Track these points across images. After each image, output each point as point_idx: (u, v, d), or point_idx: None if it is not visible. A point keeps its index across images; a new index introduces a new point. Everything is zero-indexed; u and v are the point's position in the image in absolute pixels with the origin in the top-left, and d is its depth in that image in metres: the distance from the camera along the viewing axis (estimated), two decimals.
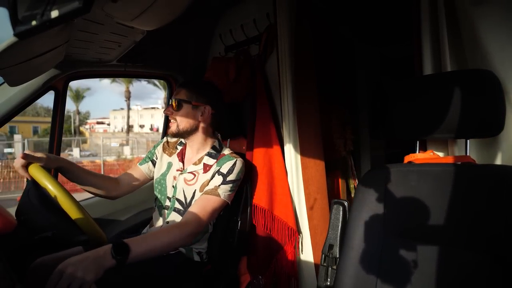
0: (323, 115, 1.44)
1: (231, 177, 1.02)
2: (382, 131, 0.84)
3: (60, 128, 1.32)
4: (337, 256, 0.81)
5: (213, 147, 1.11)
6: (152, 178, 1.19)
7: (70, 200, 0.79)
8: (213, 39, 1.64)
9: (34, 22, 0.32)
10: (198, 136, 1.10)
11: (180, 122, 1.06)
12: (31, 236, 0.78)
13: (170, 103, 1.07)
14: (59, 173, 1.05)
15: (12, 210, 0.80)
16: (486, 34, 0.75)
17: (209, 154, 1.09)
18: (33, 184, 0.83)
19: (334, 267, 0.81)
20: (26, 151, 0.88)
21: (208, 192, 0.98)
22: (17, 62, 0.74)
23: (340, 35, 1.77)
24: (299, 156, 1.22)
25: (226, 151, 1.11)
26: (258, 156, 1.26)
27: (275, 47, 1.27)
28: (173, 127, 1.07)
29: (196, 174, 1.07)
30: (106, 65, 1.35)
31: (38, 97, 1.17)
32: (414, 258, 0.67)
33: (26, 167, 0.86)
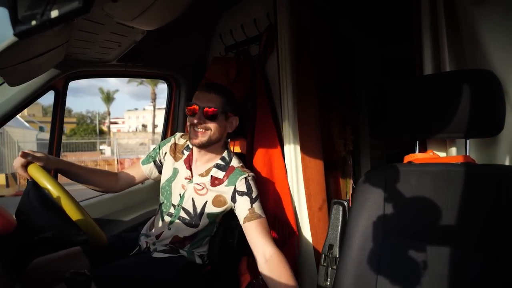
0: (323, 115, 1.44)
1: (254, 193, 0.97)
2: (382, 131, 0.84)
3: (60, 128, 1.32)
4: (337, 256, 0.81)
5: (221, 158, 1.04)
6: (151, 178, 1.17)
7: (70, 200, 0.79)
8: (213, 39, 1.64)
9: (34, 22, 0.32)
10: (217, 146, 1.04)
11: (214, 132, 0.98)
12: (31, 236, 0.78)
13: (201, 108, 0.96)
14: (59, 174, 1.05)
15: None
16: (485, 34, 0.75)
17: (217, 166, 1.03)
18: (33, 184, 0.83)
19: (334, 267, 0.81)
20: (26, 150, 0.87)
21: (251, 218, 0.94)
22: (17, 62, 0.74)
23: (340, 35, 1.77)
24: (299, 156, 1.22)
25: (235, 163, 1.04)
26: (258, 156, 1.26)
27: (275, 47, 1.27)
28: (203, 138, 0.97)
29: (204, 186, 1.03)
30: (106, 65, 1.35)
31: (38, 97, 1.17)
32: (414, 258, 0.67)
33: (26, 167, 0.86)
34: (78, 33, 0.95)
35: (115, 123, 35.68)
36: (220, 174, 1.02)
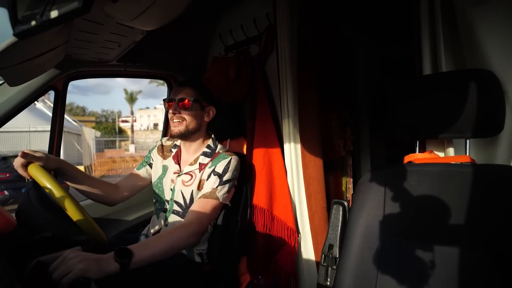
0: (323, 115, 1.44)
1: (227, 176, 1.01)
2: (382, 131, 0.84)
3: (60, 127, 1.32)
4: (337, 256, 0.81)
5: (207, 146, 1.11)
6: (149, 179, 1.19)
7: (70, 200, 0.79)
8: (213, 39, 1.64)
9: (33, 22, 0.32)
10: (198, 137, 1.10)
11: (190, 121, 1.05)
12: (31, 236, 0.78)
13: (176, 101, 1.04)
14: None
15: None
16: (485, 35, 0.75)
17: (204, 154, 1.09)
18: (33, 184, 0.83)
19: (334, 267, 0.81)
20: (26, 150, 0.87)
21: (207, 196, 0.98)
22: (17, 62, 0.74)
23: (340, 35, 1.77)
24: (299, 156, 1.22)
25: (221, 149, 1.10)
26: (258, 156, 1.26)
27: (275, 47, 1.27)
28: (180, 127, 1.04)
29: (193, 175, 1.07)
30: (106, 65, 1.35)
31: (38, 97, 1.17)
32: (413, 258, 0.67)
33: (26, 167, 0.85)
34: (78, 33, 0.95)
35: (126, 121, 36.10)
36: (207, 160, 1.08)
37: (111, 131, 27.17)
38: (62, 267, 0.63)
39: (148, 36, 1.05)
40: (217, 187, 0.99)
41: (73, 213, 0.78)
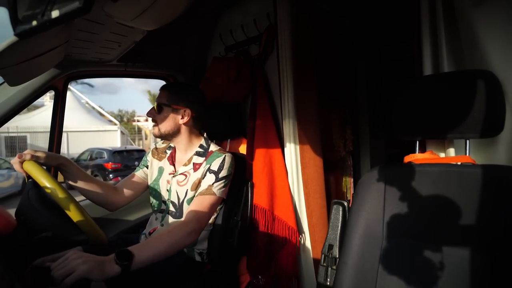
0: (323, 115, 1.44)
1: (222, 173, 1.02)
2: (382, 131, 0.84)
3: (60, 127, 1.32)
4: (337, 256, 0.81)
5: (200, 146, 1.11)
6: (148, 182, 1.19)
7: (70, 200, 0.79)
8: (213, 39, 1.64)
9: (34, 22, 0.32)
10: (183, 138, 1.09)
11: (162, 125, 1.06)
12: (31, 236, 0.78)
13: (154, 106, 1.07)
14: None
15: None
16: (485, 35, 0.75)
17: (197, 153, 1.10)
18: (33, 184, 0.82)
19: (334, 267, 0.81)
20: (26, 151, 0.87)
21: (203, 193, 0.99)
22: (17, 62, 0.74)
23: (341, 35, 1.77)
24: (299, 156, 1.22)
25: (214, 148, 1.10)
26: (259, 156, 1.26)
27: (275, 47, 1.27)
28: (155, 130, 1.06)
29: (187, 175, 1.07)
30: (107, 65, 1.35)
31: (38, 97, 1.17)
32: (413, 258, 0.67)
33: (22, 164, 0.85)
34: (78, 33, 0.95)
35: (138, 121, 36.37)
36: (200, 160, 1.08)
37: (131, 130, 27.52)
38: (65, 267, 0.63)
39: (148, 36, 1.05)
40: (213, 183, 1.00)
41: (73, 213, 0.78)
